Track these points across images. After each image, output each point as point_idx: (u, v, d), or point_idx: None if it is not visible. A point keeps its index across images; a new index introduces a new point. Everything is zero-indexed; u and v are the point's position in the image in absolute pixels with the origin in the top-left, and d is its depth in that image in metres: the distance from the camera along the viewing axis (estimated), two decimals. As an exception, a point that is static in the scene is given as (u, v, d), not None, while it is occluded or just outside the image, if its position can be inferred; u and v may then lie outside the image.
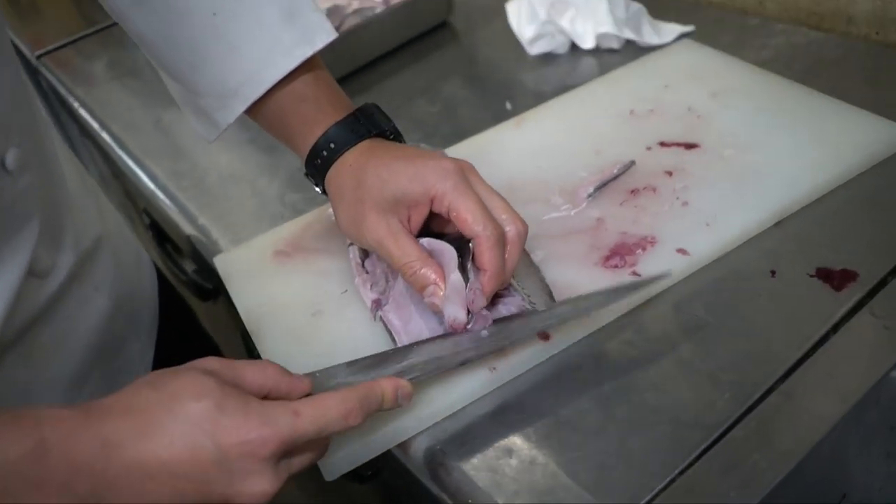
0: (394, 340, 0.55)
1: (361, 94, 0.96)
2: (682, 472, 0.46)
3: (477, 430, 0.52)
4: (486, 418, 0.52)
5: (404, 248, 0.52)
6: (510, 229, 0.53)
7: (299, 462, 0.44)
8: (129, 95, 1.11)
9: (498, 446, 0.50)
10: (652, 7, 0.91)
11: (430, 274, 0.52)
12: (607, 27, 0.87)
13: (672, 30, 0.89)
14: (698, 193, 0.64)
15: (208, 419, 0.41)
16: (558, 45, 0.91)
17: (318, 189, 0.59)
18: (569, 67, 0.90)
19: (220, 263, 0.70)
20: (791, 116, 0.70)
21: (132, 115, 1.05)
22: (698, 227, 0.61)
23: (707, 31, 0.88)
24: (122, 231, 0.76)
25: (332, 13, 1.03)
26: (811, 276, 0.57)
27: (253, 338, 0.60)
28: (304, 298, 0.62)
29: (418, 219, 0.54)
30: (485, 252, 0.51)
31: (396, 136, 0.59)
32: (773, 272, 0.58)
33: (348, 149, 0.56)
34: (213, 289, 0.85)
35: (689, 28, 0.89)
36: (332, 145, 0.56)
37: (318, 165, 0.57)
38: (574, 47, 0.91)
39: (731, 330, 0.54)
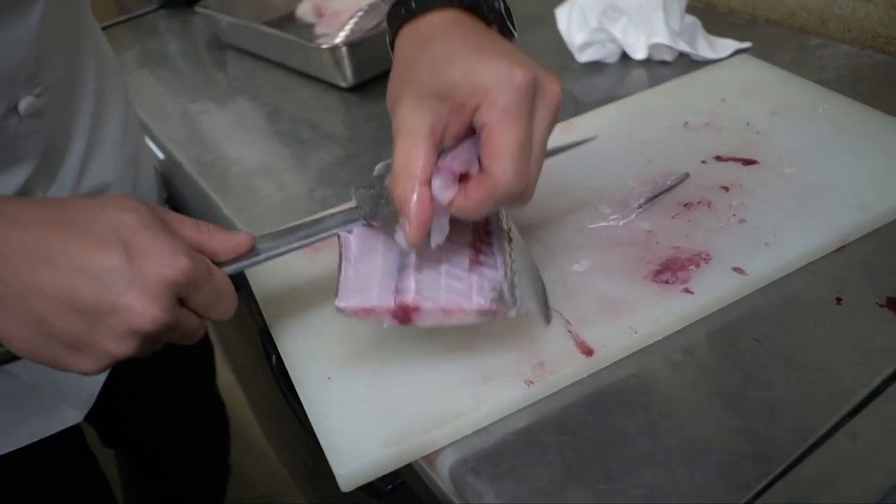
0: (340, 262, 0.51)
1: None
2: (739, 510, 0.42)
3: (511, 449, 0.47)
4: (520, 436, 0.48)
5: (411, 156, 0.43)
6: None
7: (188, 317, 0.45)
8: (158, 84, 1.09)
9: (534, 468, 0.46)
10: (706, 22, 0.87)
11: (409, 205, 0.43)
12: (662, 38, 0.83)
13: (728, 45, 0.84)
14: (756, 211, 0.60)
15: (129, 229, 0.42)
16: (608, 53, 0.87)
17: (391, 51, 0.50)
18: (618, 77, 0.86)
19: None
20: (857, 138, 0.66)
21: (160, 104, 1.02)
22: (756, 245, 0.57)
23: (764, 49, 0.84)
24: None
25: (371, 11, 1.01)
26: (881, 305, 0.52)
27: (271, 331, 0.57)
28: (329, 296, 0.58)
29: (457, 126, 0.44)
30: (479, 192, 0.43)
31: (499, 19, 0.48)
32: (838, 299, 0.53)
33: (431, 11, 0.46)
34: (233, 281, 0.80)
35: (745, 44, 0.85)
36: (412, 3, 0.47)
37: (393, 20, 0.49)
38: (624, 57, 0.88)
39: (792, 358, 0.50)
